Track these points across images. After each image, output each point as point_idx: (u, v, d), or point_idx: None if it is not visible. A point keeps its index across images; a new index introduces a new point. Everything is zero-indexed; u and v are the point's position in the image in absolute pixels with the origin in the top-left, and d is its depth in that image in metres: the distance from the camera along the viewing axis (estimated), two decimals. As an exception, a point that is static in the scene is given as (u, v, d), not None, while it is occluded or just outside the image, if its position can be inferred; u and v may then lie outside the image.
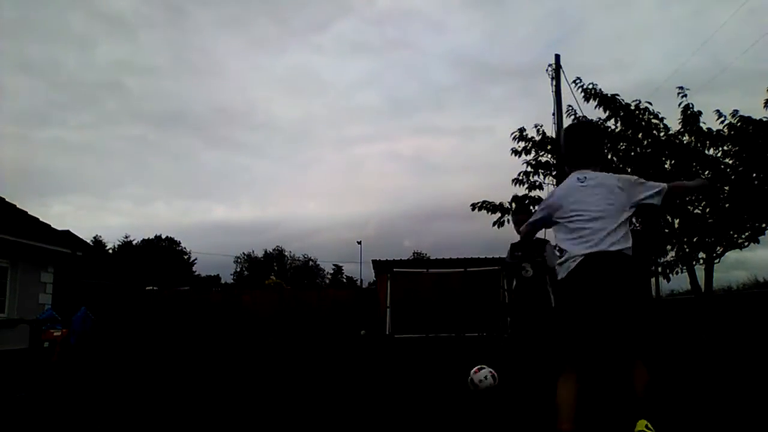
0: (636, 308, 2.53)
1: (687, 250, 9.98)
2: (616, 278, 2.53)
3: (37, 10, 62.74)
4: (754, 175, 9.22)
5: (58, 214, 68.58)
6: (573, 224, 2.69)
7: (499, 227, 11.06)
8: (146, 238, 48.39)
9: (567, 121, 11.54)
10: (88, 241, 29.42)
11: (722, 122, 9.58)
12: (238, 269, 58.11)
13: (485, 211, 11.04)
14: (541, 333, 4.38)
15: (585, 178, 2.77)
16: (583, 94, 10.29)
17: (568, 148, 2.98)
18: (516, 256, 4.83)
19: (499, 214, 11.02)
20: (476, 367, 4.70)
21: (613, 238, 2.58)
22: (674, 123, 10.02)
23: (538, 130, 10.94)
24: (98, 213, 72.11)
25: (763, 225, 9.32)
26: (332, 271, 62.48)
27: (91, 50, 67.82)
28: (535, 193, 11.14)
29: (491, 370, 4.60)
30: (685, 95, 9.72)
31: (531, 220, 3.09)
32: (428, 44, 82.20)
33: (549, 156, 11.15)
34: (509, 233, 11.78)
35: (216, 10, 74.47)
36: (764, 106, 9.38)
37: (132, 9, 64.92)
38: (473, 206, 11.11)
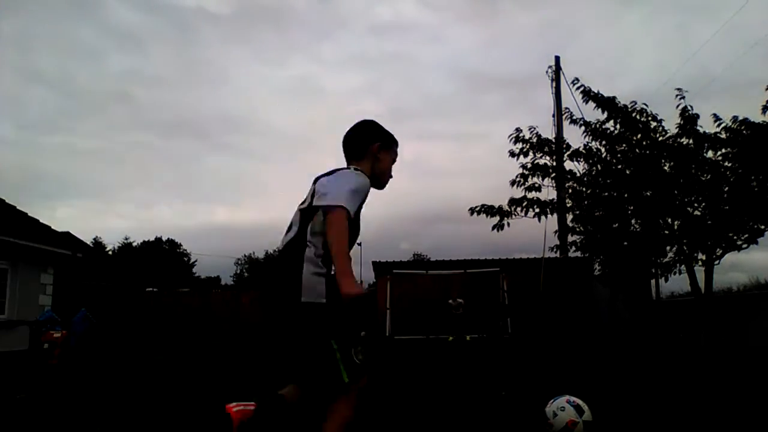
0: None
1: (686, 251, 9.99)
2: None
3: (50, 23, 64.01)
4: (753, 177, 9.23)
5: (63, 217, 68.83)
6: None
7: (498, 230, 11.06)
8: (146, 240, 48.40)
9: (566, 123, 11.53)
10: (88, 242, 29.42)
11: (719, 125, 9.60)
12: (239, 271, 58.11)
13: (484, 215, 11.06)
14: None
15: None
16: (582, 95, 10.31)
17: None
18: None
19: (498, 218, 11.04)
20: None
21: None
22: (670, 128, 10.05)
23: (534, 132, 10.92)
24: (101, 216, 72.07)
25: (762, 227, 9.33)
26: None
27: (102, 62, 68.62)
28: (533, 194, 11.12)
29: None
30: (683, 97, 9.74)
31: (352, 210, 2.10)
32: (425, 55, 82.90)
33: (547, 158, 11.15)
34: (509, 235, 11.78)
35: (223, 24, 75.16)
36: (762, 112, 9.38)
37: (142, 24, 65.93)
38: (471, 210, 11.08)
